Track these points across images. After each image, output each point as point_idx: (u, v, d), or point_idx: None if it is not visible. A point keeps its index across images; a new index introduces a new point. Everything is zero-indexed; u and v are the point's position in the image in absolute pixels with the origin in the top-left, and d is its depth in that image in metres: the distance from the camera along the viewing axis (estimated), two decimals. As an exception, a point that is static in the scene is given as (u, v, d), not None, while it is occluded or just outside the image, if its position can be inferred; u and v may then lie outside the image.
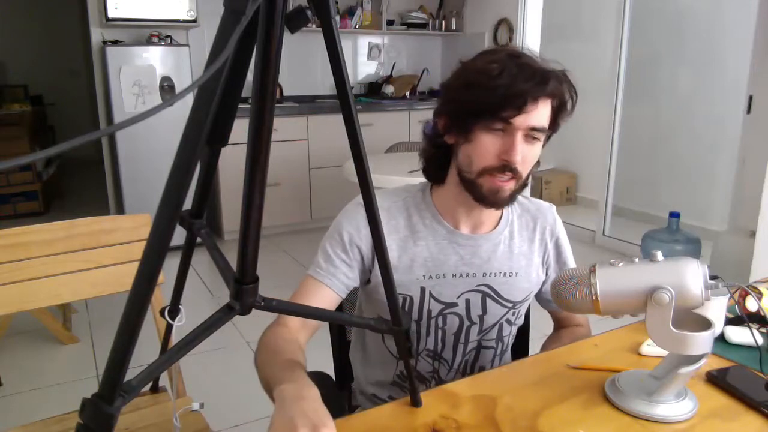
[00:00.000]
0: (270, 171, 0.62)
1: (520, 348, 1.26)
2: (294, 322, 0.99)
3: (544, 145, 0.99)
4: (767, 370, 0.92)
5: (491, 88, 0.91)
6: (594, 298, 0.81)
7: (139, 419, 1.25)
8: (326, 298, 1.00)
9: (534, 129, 0.93)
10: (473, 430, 0.79)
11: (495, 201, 0.97)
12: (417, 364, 1.09)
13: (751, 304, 1.06)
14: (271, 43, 0.55)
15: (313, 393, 0.73)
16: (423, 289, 1.03)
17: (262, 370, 0.90)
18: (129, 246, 1.30)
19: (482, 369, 1.09)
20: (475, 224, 1.05)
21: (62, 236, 1.24)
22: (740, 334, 1.02)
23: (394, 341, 1.09)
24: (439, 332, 1.06)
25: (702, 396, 0.84)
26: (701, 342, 0.77)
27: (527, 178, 0.99)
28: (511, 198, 0.98)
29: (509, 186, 0.96)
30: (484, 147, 0.94)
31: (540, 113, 0.92)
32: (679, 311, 0.77)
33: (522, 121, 0.91)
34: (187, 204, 0.60)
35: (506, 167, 0.93)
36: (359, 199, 1.01)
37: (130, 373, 0.58)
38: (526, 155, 0.94)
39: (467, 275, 1.04)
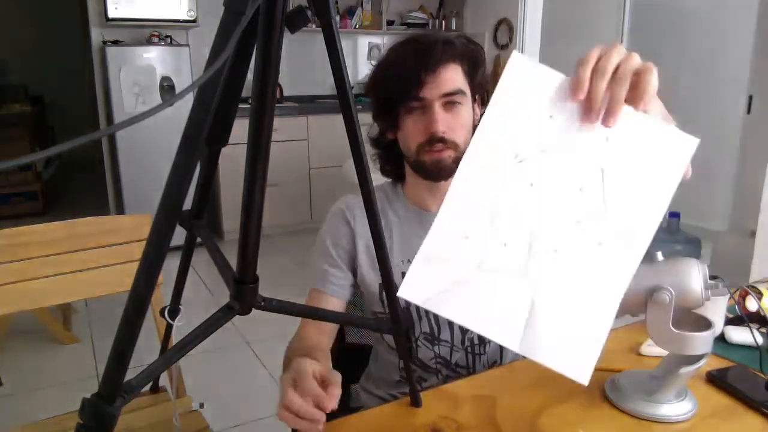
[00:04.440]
0: (270, 171, 0.62)
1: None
2: (309, 332, 1.02)
3: (483, 104, 1.04)
4: (767, 370, 0.92)
5: (394, 77, 0.99)
6: (594, 298, 0.80)
7: (139, 419, 1.25)
8: (327, 303, 1.05)
9: (447, 95, 0.98)
10: (473, 430, 0.79)
11: (440, 172, 1.01)
12: (418, 352, 1.09)
13: (751, 304, 1.06)
14: (271, 43, 0.55)
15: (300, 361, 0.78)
16: (404, 274, 1.04)
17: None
18: (129, 246, 1.30)
19: (482, 339, 1.09)
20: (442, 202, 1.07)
21: (62, 236, 1.24)
22: (740, 334, 1.02)
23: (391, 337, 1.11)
24: (430, 314, 1.06)
25: (702, 396, 0.84)
26: (701, 342, 0.77)
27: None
28: (457, 165, 1.00)
29: (447, 155, 1.00)
30: (411, 128, 1.01)
31: (447, 79, 0.97)
32: (679, 311, 0.77)
33: (432, 92, 0.97)
34: (187, 204, 0.60)
35: (433, 139, 0.98)
36: (333, 207, 1.11)
37: (130, 373, 0.58)
38: (451, 122, 0.99)
39: None
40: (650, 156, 0.61)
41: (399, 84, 0.98)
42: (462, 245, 0.64)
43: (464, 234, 0.64)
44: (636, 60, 0.60)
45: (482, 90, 1.05)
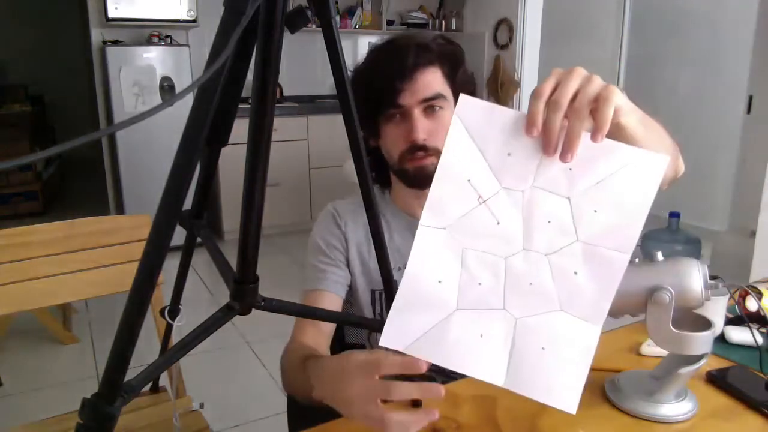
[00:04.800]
0: (270, 171, 0.62)
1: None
2: (308, 333, 0.99)
3: None
4: (767, 370, 0.92)
5: (368, 84, 0.97)
6: (594, 298, 0.80)
7: (139, 419, 1.25)
8: (326, 302, 1.02)
9: (427, 100, 0.95)
10: (473, 430, 0.79)
11: (424, 180, 0.99)
12: None
13: (751, 304, 1.06)
14: (271, 43, 0.55)
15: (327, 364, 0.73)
16: (395, 282, 1.04)
17: (292, 387, 0.91)
18: (129, 246, 1.30)
19: None
20: None
21: (62, 236, 1.24)
22: (740, 334, 1.02)
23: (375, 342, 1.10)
24: None
25: (702, 396, 0.84)
26: (701, 342, 0.77)
27: None
28: None
29: (430, 161, 0.97)
30: (391, 136, 0.99)
31: (425, 84, 0.95)
32: (679, 311, 0.77)
33: (410, 98, 0.95)
34: (187, 204, 0.60)
35: (414, 146, 0.96)
36: (323, 211, 1.10)
37: (130, 373, 0.58)
38: (432, 128, 0.96)
39: None
40: (619, 179, 0.59)
41: (376, 91, 0.96)
42: (436, 290, 0.63)
43: (437, 279, 0.63)
44: (595, 85, 0.58)
45: (466, 90, 1.03)
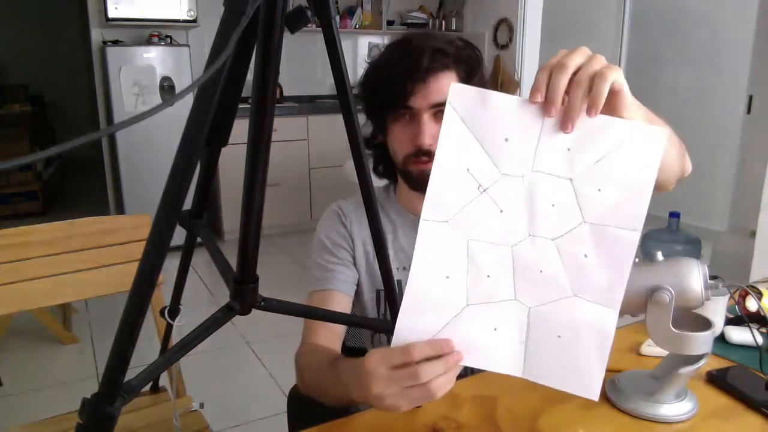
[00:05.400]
0: (270, 171, 0.62)
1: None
2: (317, 337, 0.97)
3: None
4: (767, 370, 0.92)
5: (380, 81, 0.96)
6: (594, 298, 0.80)
7: (139, 419, 1.25)
8: (335, 302, 1.00)
9: (438, 105, 0.93)
10: (473, 430, 0.79)
11: (426, 184, 0.98)
12: None
13: (751, 304, 1.05)
14: (271, 43, 0.55)
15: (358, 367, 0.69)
16: (399, 282, 1.03)
17: (316, 389, 0.88)
18: (129, 246, 1.30)
19: None
20: None
21: (62, 236, 1.24)
22: (740, 334, 1.02)
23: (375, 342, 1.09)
24: None
25: (702, 396, 0.84)
26: (701, 342, 0.77)
27: None
28: None
29: None
30: (398, 137, 0.98)
31: (437, 89, 0.93)
32: (679, 311, 0.77)
33: (421, 101, 0.93)
34: (187, 204, 0.61)
35: (420, 151, 0.95)
36: (327, 210, 1.09)
37: (130, 373, 0.58)
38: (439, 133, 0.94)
39: None
40: (620, 155, 0.58)
41: (387, 90, 0.94)
42: (445, 287, 0.62)
43: (444, 275, 0.62)
44: (598, 63, 0.58)
45: None
